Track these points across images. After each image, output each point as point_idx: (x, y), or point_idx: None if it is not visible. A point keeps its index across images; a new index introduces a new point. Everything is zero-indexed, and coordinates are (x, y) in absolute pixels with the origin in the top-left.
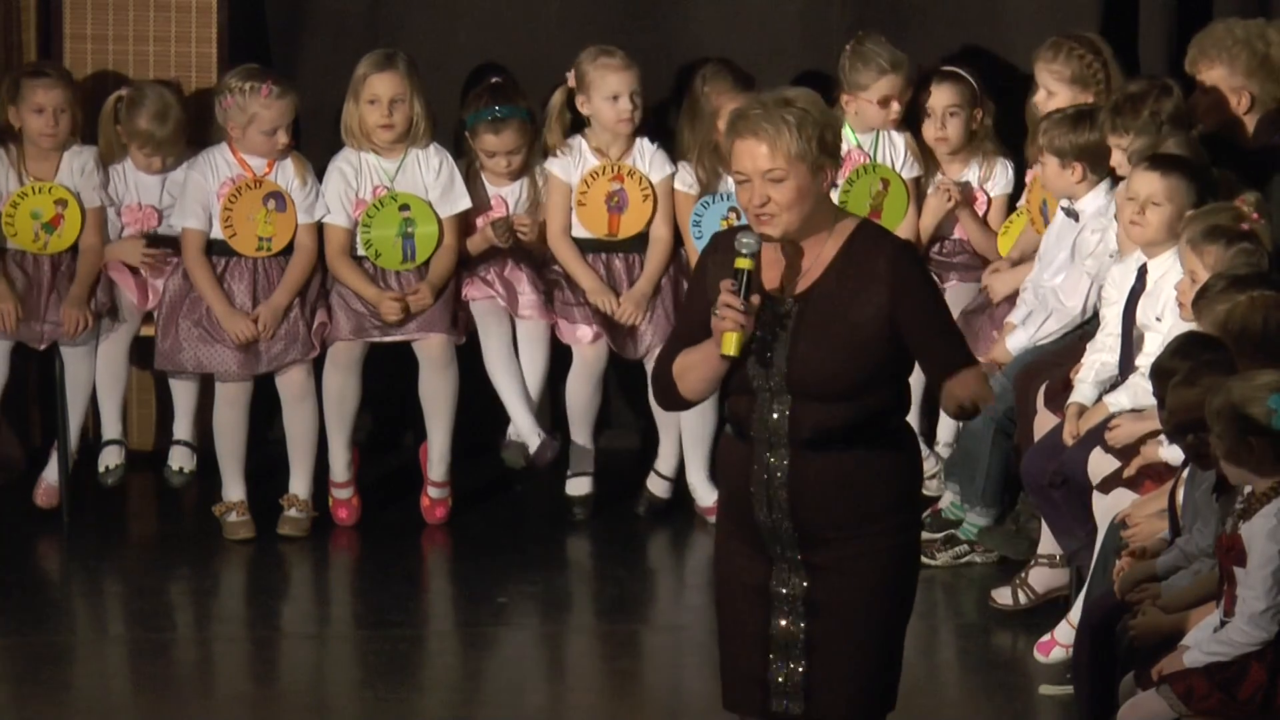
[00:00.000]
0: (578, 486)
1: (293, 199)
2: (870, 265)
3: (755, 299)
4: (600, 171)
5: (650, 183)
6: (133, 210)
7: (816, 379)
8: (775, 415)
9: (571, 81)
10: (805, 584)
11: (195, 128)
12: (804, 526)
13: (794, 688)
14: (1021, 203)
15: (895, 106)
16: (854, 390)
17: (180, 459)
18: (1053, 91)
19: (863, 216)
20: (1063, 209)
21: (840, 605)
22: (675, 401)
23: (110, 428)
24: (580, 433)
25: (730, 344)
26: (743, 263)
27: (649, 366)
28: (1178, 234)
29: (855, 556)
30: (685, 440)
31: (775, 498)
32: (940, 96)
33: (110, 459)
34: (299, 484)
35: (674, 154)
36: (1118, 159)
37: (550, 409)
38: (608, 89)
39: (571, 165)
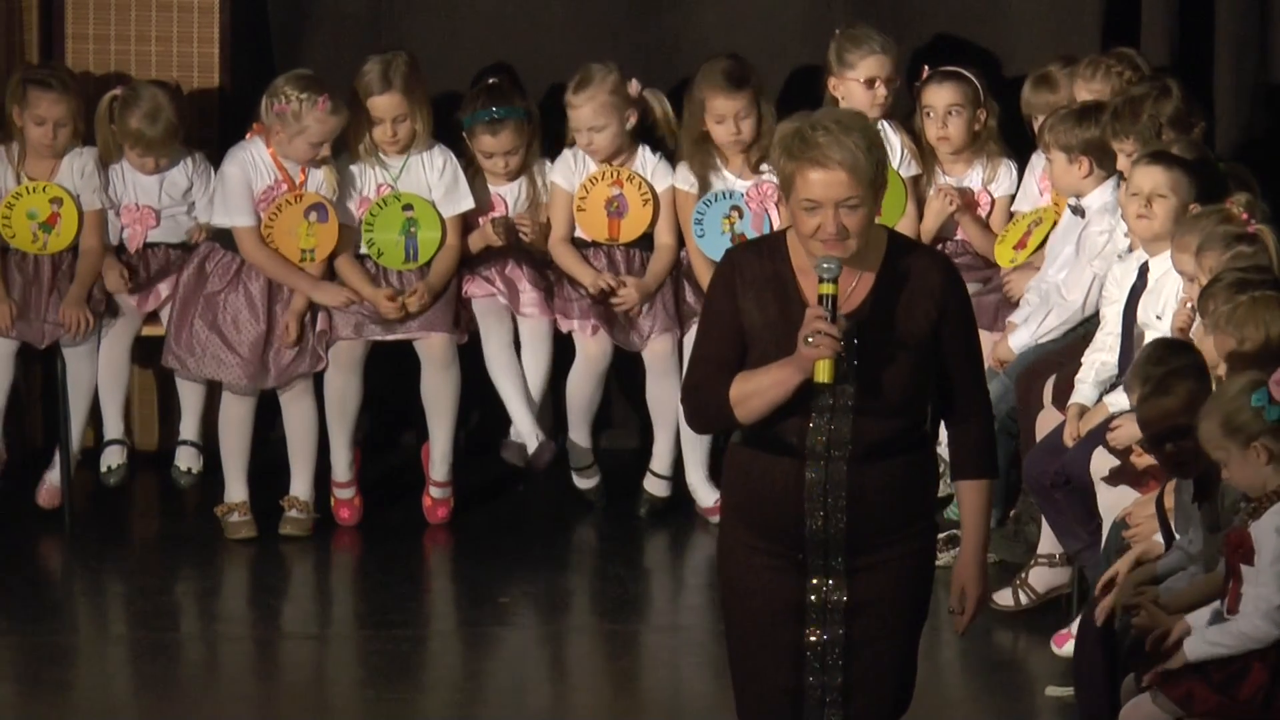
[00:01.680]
0: (584, 480)
1: (331, 206)
2: (923, 280)
3: (843, 322)
4: (600, 176)
5: (650, 187)
6: (130, 210)
7: (885, 394)
8: (836, 430)
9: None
10: (845, 590)
11: (197, 127)
12: (858, 533)
13: (833, 696)
14: (1017, 208)
15: (881, 90)
16: (911, 401)
17: (187, 459)
18: None
19: (886, 226)
20: (1070, 206)
21: (879, 607)
22: (724, 424)
23: (112, 427)
24: (580, 429)
25: (825, 371)
26: (827, 288)
27: (647, 359)
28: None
29: (895, 559)
30: (684, 441)
31: (834, 508)
32: (941, 95)
33: (112, 459)
34: (300, 485)
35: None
36: (1123, 163)
37: (552, 407)
38: (572, 123)
39: (573, 173)
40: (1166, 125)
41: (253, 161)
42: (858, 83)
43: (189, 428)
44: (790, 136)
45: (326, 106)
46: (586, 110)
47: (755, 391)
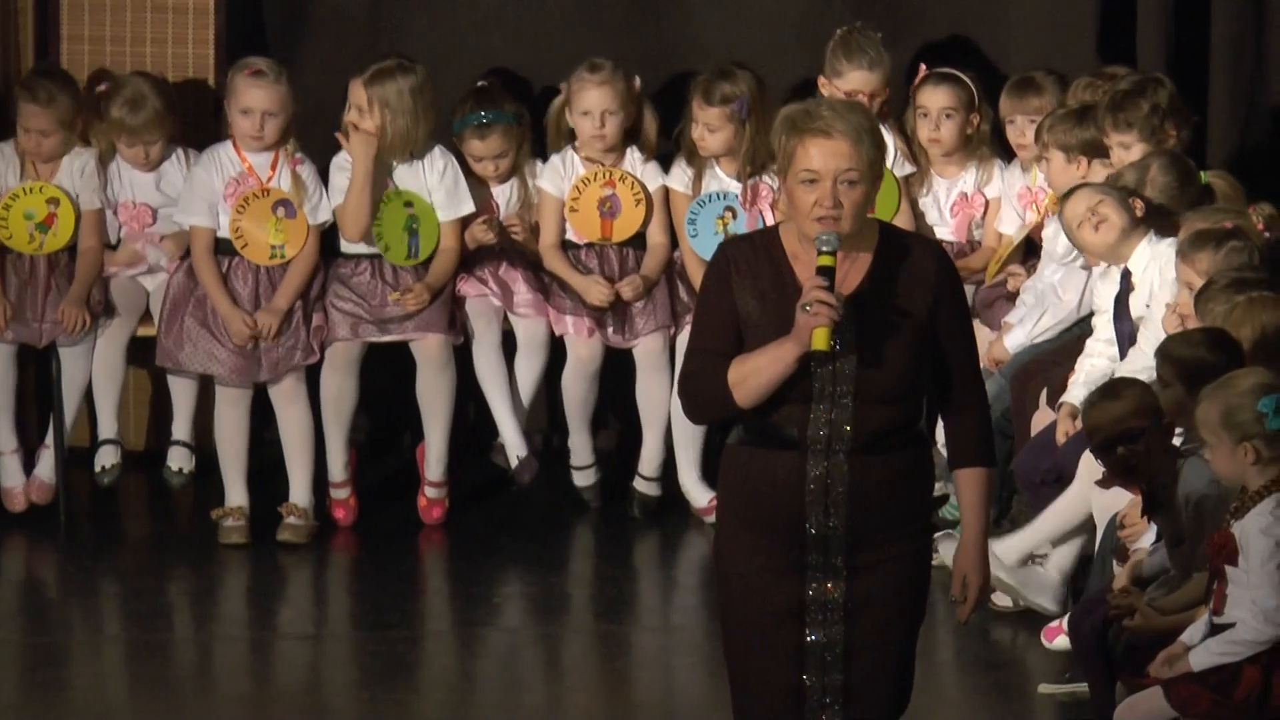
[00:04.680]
0: (584, 478)
1: (300, 205)
2: (918, 266)
3: (842, 294)
4: (592, 177)
5: (643, 186)
6: (127, 208)
7: (885, 380)
8: (837, 420)
9: (565, 93)
10: (844, 589)
11: (192, 129)
12: (858, 530)
13: (833, 697)
14: (1010, 232)
15: (865, 102)
16: (909, 390)
17: (179, 459)
18: None
19: (880, 219)
20: None
21: (879, 607)
22: (723, 410)
23: (106, 427)
24: (579, 430)
25: (822, 339)
26: (826, 260)
27: (638, 356)
28: (1134, 215)
29: (894, 558)
30: (676, 442)
31: (835, 503)
32: (936, 98)
33: (106, 458)
34: (299, 491)
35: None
36: (1118, 156)
37: (547, 408)
38: (582, 104)
39: (561, 177)
40: (1168, 114)
41: (218, 160)
42: (839, 92)
43: (181, 428)
44: (793, 113)
45: (255, 72)
46: (601, 92)
47: (754, 370)
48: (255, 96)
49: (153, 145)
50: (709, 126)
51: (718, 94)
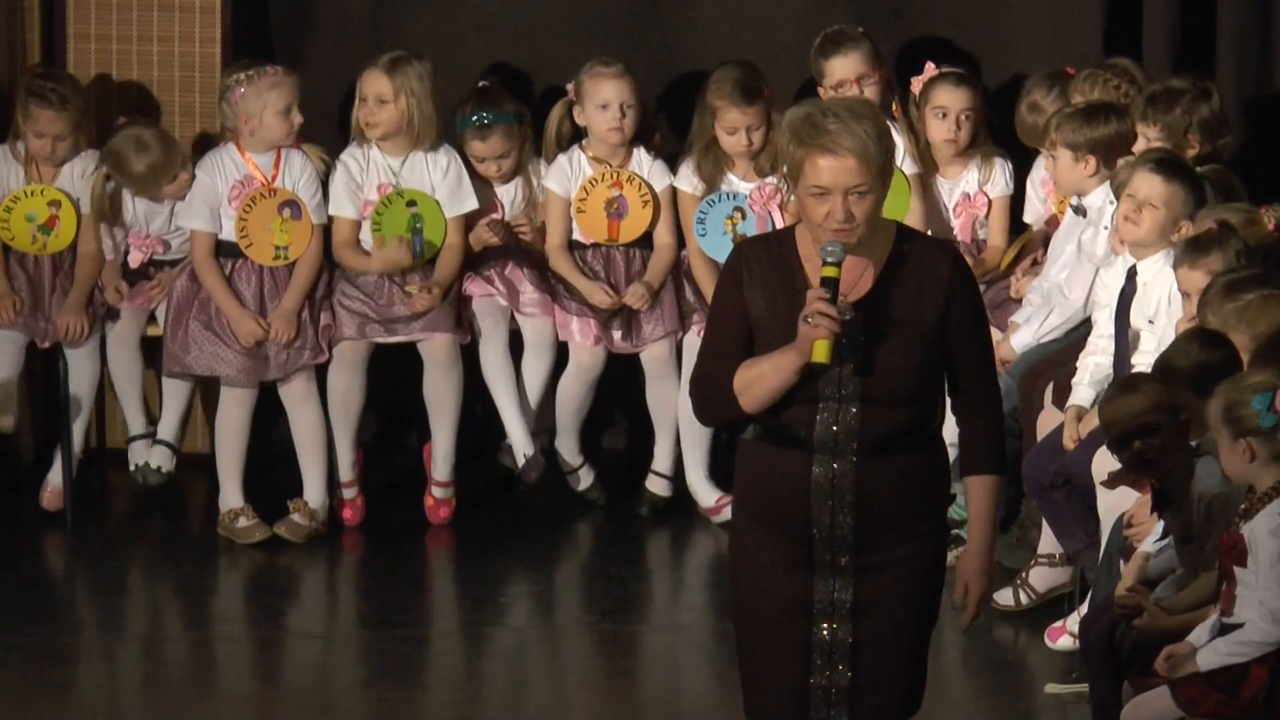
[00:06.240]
0: (579, 481)
1: (305, 203)
2: (931, 269)
3: (847, 306)
4: (599, 178)
5: (650, 188)
6: (138, 237)
7: (892, 384)
8: (843, 422)
9: (573, 92)
10: (852, 588)
11: (199, 126)
12: (865, 531)
13: (838, 695)
14: (1032, 222)
15: (854, 90)
16: (919, 393)
17: (160, 458)
18: None
19: (896, 220)
20: (1071, 206)
21: (887, 607)
22: (730, 414)
23: (135, 424)
24: (567, 435)
25: (823, 351)
26: (830, 271)
27: (646, 362)
28: (1169, 239)
29: (904, 559)
30: (684, 441)
31: (840, 504)
32: (959, 99)
33: (140, 456)
34: (312, 491)
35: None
36: (1140, 146)
37: (553, 409)
38: (599, 97)
39: (568, 178)
40: (1196, 126)
41: (221, 163)
42: (831, 90)
43: (167, 428)
44: (800, 122)
45: (276, 72)
46: (619, 84)
47: (757, 377)
48: (287, 94)
49: (183, 169)
50: (751, 127)
51: (750, 91)
